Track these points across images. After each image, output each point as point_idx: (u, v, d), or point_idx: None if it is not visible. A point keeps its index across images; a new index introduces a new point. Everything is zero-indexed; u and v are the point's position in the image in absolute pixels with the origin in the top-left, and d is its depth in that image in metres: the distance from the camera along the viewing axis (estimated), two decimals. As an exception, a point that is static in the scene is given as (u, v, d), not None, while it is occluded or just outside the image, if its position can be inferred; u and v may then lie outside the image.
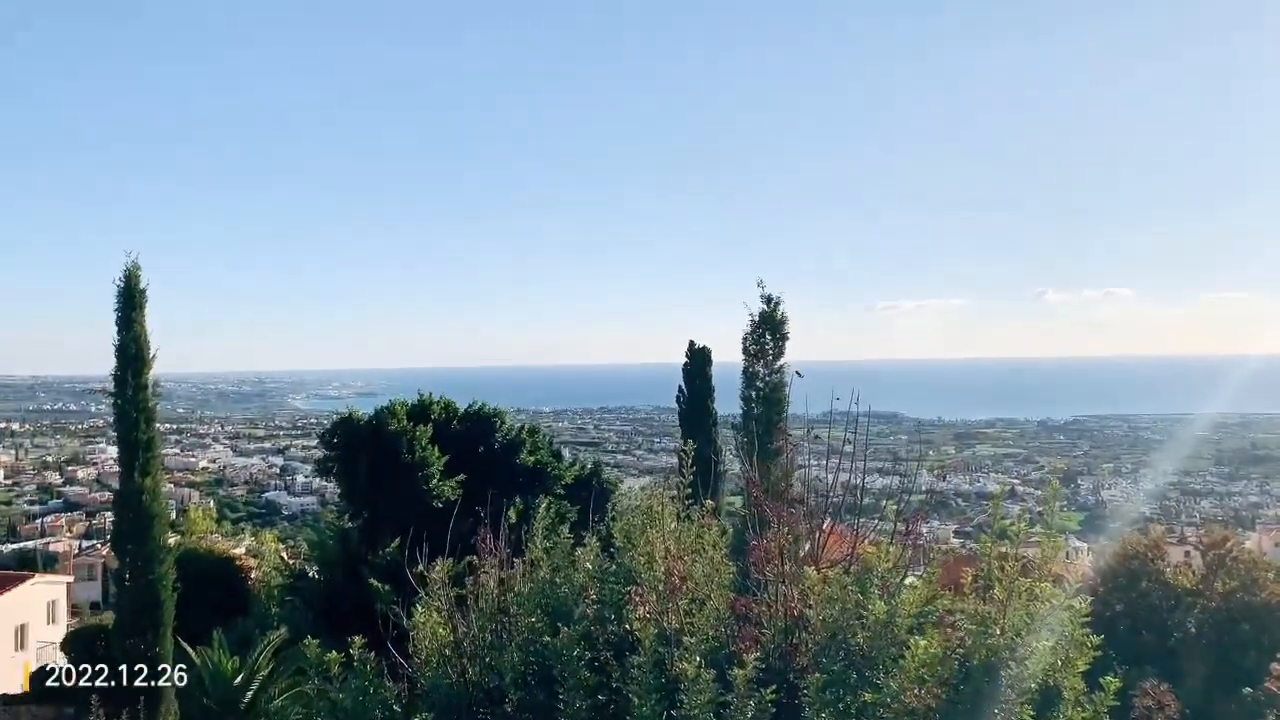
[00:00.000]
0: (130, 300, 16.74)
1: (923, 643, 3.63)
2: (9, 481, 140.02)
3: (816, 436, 4.96)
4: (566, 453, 33.26)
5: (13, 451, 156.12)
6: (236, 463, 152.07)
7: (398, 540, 20.54)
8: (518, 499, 21.23)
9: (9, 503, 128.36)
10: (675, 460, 5.74)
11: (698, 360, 21.62)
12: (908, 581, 4.48)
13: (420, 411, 25.68)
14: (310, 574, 26.61)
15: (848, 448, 5.21)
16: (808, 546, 5.06)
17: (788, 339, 17.27)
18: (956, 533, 74.31)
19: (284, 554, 33.79)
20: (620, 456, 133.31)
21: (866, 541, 4.92)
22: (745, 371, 17.49)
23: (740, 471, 14.66)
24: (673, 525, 4.94)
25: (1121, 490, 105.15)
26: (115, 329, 16.74)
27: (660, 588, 4.53)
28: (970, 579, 4.37)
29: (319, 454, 34.40)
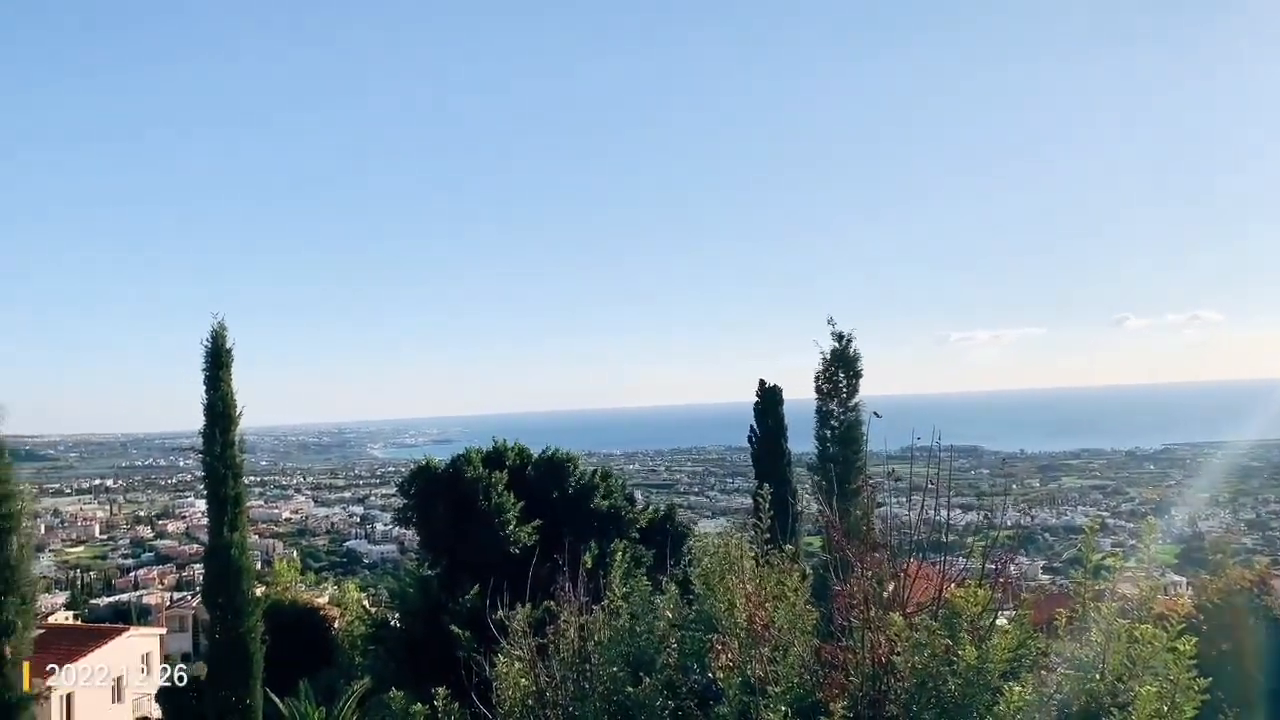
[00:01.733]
0: (217, 360, 17.34)
1: (1018, 689, 3.50)
2: (104, 536, 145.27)
3: (898, 478, 4.86)
4: (639, 495, 33.15)
5: (107, 507, 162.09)
6: (318, 513, 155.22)
7: (477, 587, 20.66)
8: (593, 544, 21.22)
9: (104, 557, 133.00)
10: (749, 501, 5.70)
11: (769, 399, 21.40)
12: (998, 623, 4.34)
13: (495, 458, 25.93)
14: (392, 622, 26.85)
15: (931, 485, 5.10)
16: (891, 589, 4.94)
17: (861, 376, 17.04)
18: (1044, 569, 71.78)
19: (366, 603, 34.19)
20: (693, 498, 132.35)
21: (953, 582, 4.78)
22: (819, 410, 17.27)
23: (818, 512, 14.45)
24: (753, 570, 4.88)
25: (1219, 521, 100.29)
26: (203, 388, 17.35)
27: (742, 635, 4.47)
28: (1065, 620, 4.21)
29: (398, 502, 34.89)
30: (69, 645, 31.11)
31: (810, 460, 19.55)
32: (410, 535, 48.28)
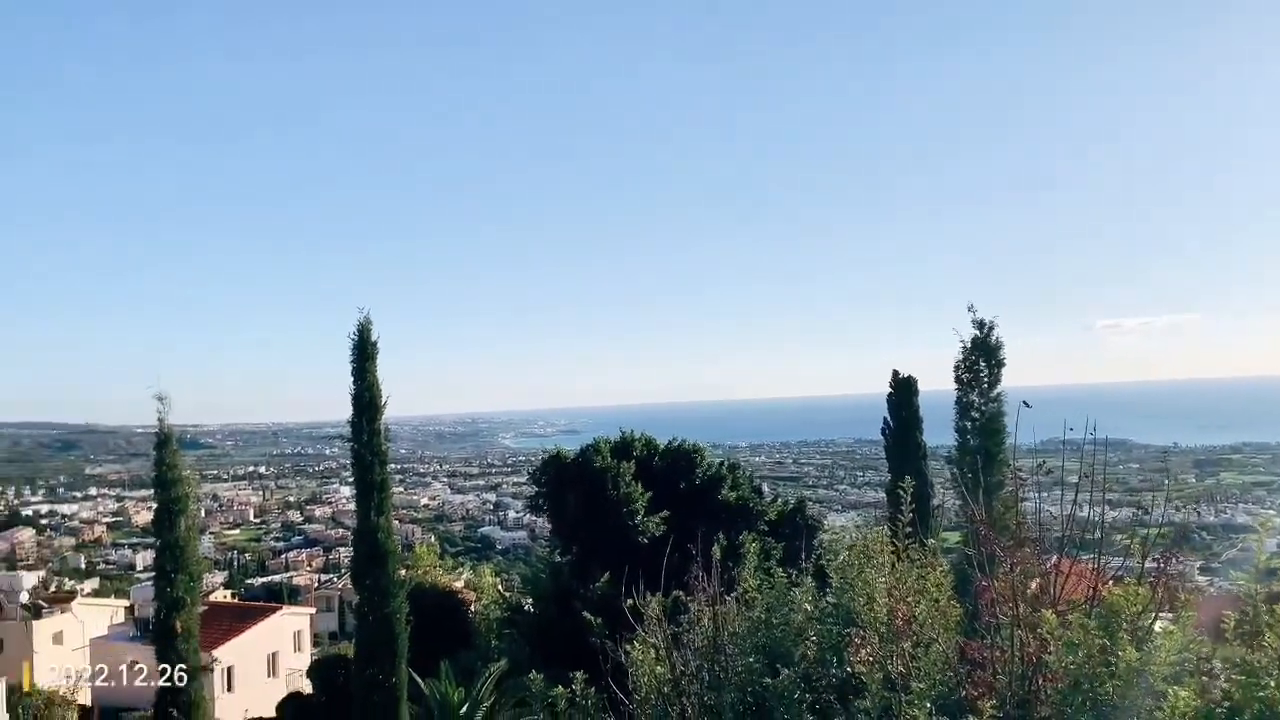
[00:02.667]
0: (363, 352, 18.13)
1: (1183, 694, 3.32)
2: (257, 520, 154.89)
3: (1049, 470, 4.66)
4: (766, 488, 32.97)
5: (260, 492, 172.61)
6: (454, 499, 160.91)
7: (607, 574, 21.00)
8: (720, 535, 21.21)
9: (258, 539, 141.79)
10: (880, 495, 5.60)
11: (903, 390, 20.83)
12: (1156, 626, 4.12)
13: (623, 448, 26.28)
14: (526, 607, 27.60)
15: (1072, 478, 4.88)
16: (1035, 585, 4.75)
17: (1003, 365, 16.39)
18: (1201, 570, 67.52)
19: (500, 587, 35.24)
20: (821, 491, 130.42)
21: (1108, 580, 4.56)
22: (958, 400, 16.70)
23: (954, 506, 14.00)
24: (892, 564, 4.79)
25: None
26: (350, 378, 18.15)
27: (882, 629, 4.40)
28: (1233, 623, 3.96)
29: (529, 490, 35.83)
30: (228, 622, 33.35)
31: (946, 453, 18.95)
32: (541, 522, 49.51)
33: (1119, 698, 3.59)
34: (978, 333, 16.45)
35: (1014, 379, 16.83)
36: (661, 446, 27.30)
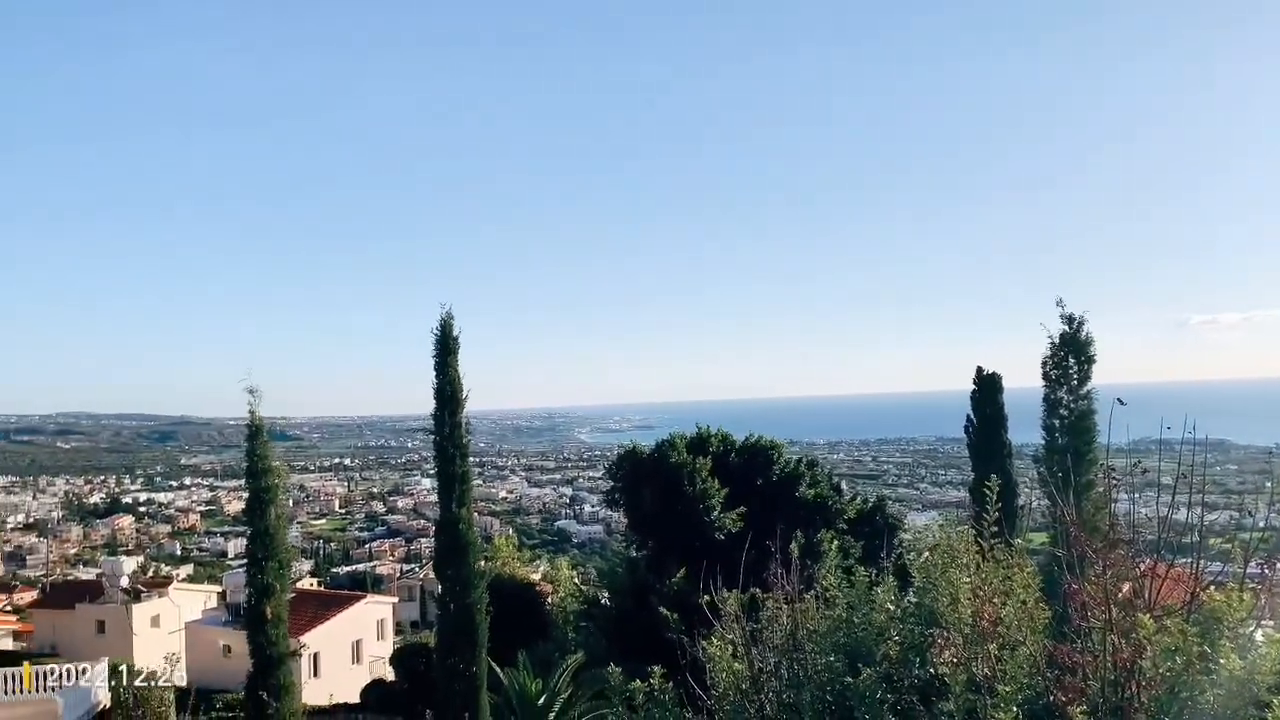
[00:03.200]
0: (445, 347, 18.47)
1: (1290, 705, 3.18)
2: (342, 510, 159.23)
3: (1145, 470, 4.51)
4: (844, 486, 32.55)
5: (345, 483, 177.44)
6: (531, 493, 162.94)
7: (683, 570, 21.01)
8: (798, 532, 21.02)
9: (343, 529, 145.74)
10: (963, 494, 5.48)
11: (987, 387, 20.30)
12: (1258, 634, 3.95)
13: (699, 444, 26.23)
14: (602, 601, 27.80)
15: (1167, 479, 4.70)
16: (1127, 589, 4.59)
17: (1093, 361, 15.88)
18: (1307, 577, 64.19)
19: (577, 581, 35.54)
20: (901, 490, 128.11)
21: (1208, 585, 4.39)
22: (1046, 398, 16.25)
23: (1041, 506, 13.60)
24: (977, 564, 4.68)
25: None
26: (433, 373, 18.52)
27: (967, 631, 4.31)
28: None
29: (604, 485, 36.06)
30: (314, 609, 34.32)
31: (1032, 452, 18.45)
32: (616, 517, 49.82)
33: (1220, 707, 3.45)
34: (1066, 328, 15.98)
35: (1104, 376, 16.30)
36: (738, 443, 27.17)
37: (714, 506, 23.69)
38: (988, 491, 4.94)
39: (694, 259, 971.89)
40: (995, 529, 4.86)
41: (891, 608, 5.00)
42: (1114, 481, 4.81)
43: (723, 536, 23.03)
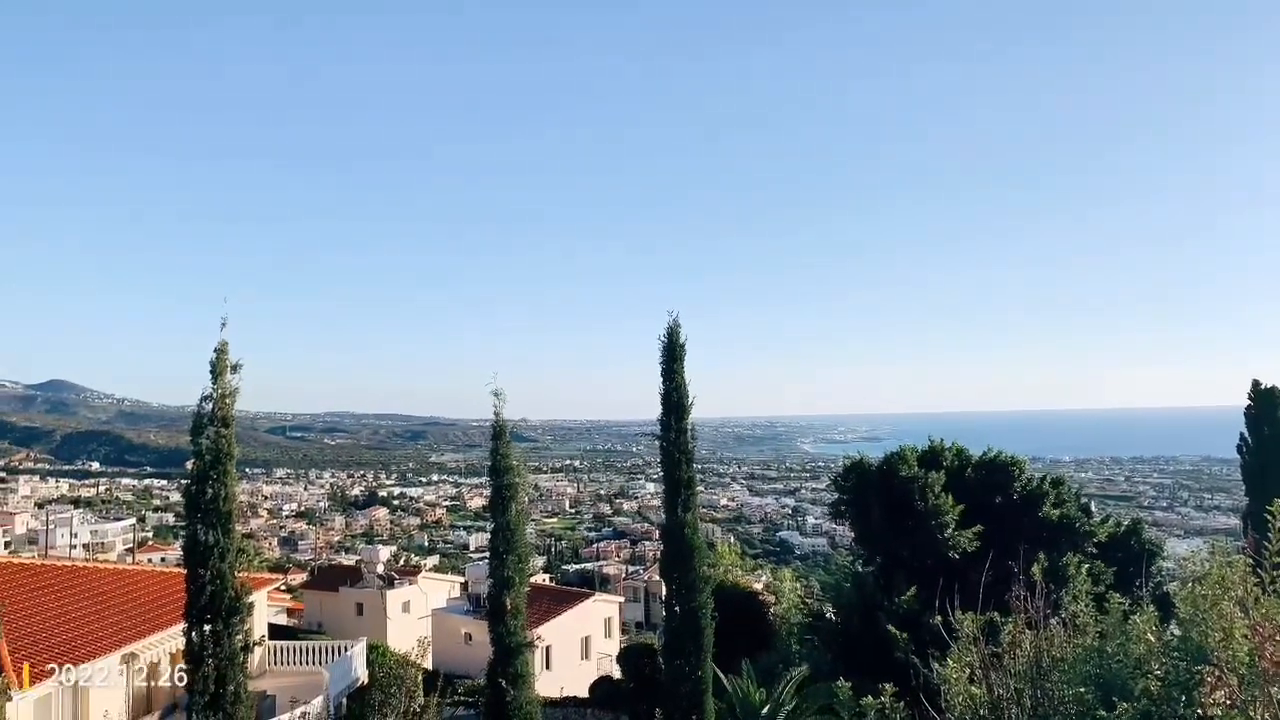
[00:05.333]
0: (672, 354, 18.87)
1: None
2: (572, 510, 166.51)
3: None
4: (1094, 507, 30.12)
5: (574, 484, 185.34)
6: (752, 501, 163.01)
7: (913, 588, 20.28)
8: (1040, 554, 19.72)
9: (572, 528, 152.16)
10: (1233, 520, 4.97)
11: (1265, 402, 18.21)
12: None
13: (931, 458, 25.19)
14: (827, 615, 27.30)
15: None
16: None
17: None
18: None
19: (800, 593, 35.12)
20: (1159, 513, 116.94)
21: None
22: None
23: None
24: (1256, 598, 4.24)
25: None
26: (660, 379, 18.96)
27: (1243, 671, 3.92)
28: None
29: (828, 496, 35.40)
30: (547, 604, 35.99)
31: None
32: (841, 530, 48.79)
33: None
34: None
35: None
36: (974, 457, 25.84)
37: (947, 524, 22.65)
38: (1270, 518, 4.45)
39: (928, 268, 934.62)
40: (1278, 559, 4.38)
41: (1152, 640, 4.62)
42: None
43: (956, 556, 22.00)
